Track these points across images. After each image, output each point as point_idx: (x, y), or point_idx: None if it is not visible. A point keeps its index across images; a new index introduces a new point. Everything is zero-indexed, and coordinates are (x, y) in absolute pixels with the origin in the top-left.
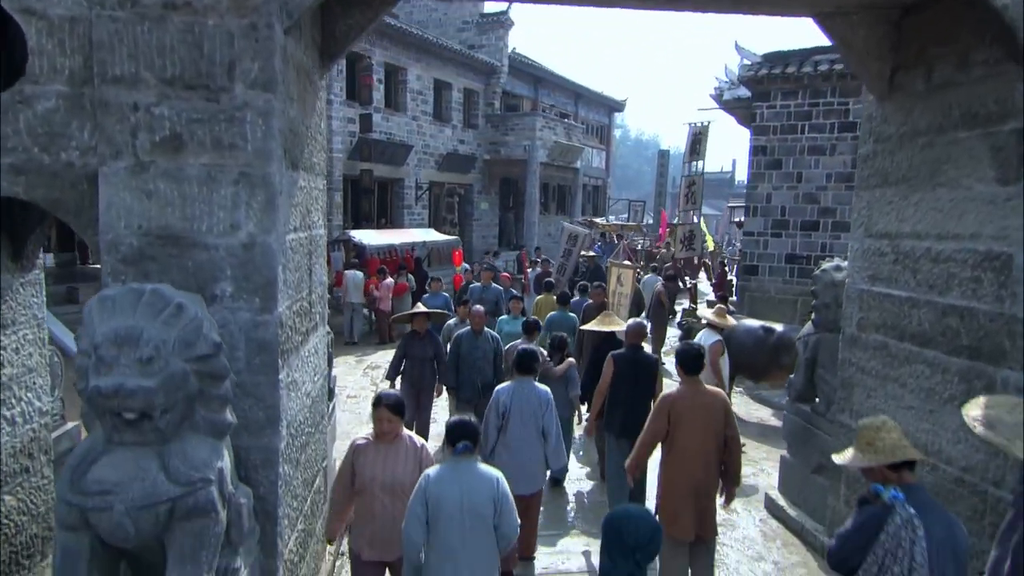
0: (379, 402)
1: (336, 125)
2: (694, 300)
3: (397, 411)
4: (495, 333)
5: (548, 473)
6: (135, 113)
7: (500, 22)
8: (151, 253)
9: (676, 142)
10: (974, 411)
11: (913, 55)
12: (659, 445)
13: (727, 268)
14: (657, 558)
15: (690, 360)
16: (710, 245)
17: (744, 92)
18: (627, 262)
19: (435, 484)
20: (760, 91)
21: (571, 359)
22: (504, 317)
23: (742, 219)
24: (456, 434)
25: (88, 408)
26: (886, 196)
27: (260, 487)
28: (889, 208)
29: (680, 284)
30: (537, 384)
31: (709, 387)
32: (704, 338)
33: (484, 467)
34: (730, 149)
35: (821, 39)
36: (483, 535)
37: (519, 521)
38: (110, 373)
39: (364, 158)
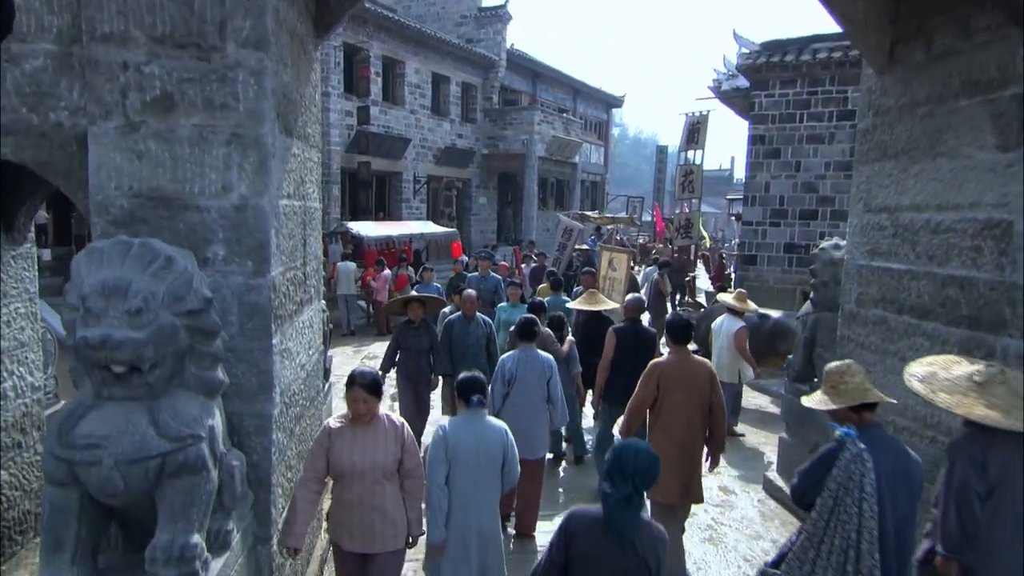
0: (353, 381)
1: (334, 118)
2: (693, 294)
3: (373, 391)
4: (487, 318)
5: (551, 454)
6: (125, 72)
7: (498, 16)
8: (142, 215)
9: (675, 139)
10: (915, 368)
11: (913, 26)
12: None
13: (725, 260)
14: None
15: (679, 330)
16: (706, 240)
17: (743, 83)
18: (620, 247)
19: (453, 434)
20: (758, 80)
21: (571, 338)
22: (503, 304)
23: (741, 211)
24: (469, 389)
25: (76, 362)
26: (885, 169)
27: (253, 454)
28: (888, 181)
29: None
30: (540, 351)
31: (695, 356)
32: (726, 324)
33: (493, 419)
34: (729, 146)
35: (820, 27)
36: (493, 479)
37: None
38: (98, 325)
39: (362, 151)
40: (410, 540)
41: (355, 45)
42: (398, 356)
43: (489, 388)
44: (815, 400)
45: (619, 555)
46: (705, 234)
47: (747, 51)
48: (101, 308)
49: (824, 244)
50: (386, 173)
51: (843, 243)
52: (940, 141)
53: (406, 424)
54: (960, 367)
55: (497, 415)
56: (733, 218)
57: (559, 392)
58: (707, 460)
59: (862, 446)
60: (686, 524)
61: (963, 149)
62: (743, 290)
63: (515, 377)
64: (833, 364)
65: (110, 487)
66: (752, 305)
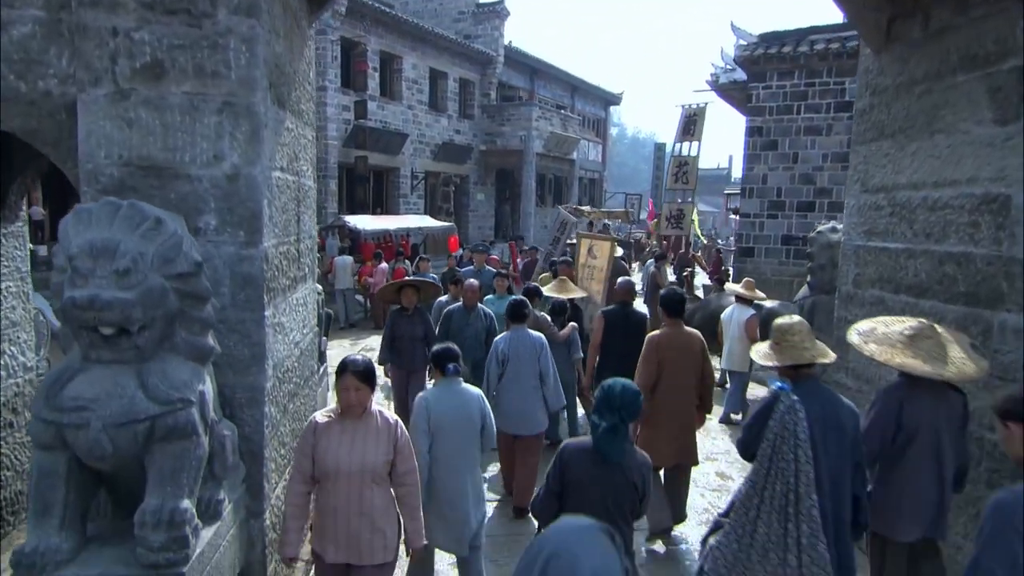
0: (344, 368)
1: (331, 112)
2: (691, 289)
3: (366, 379)
4: (488, 311)
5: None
6: (114, 38)
7: (496, 12)
8: (132, 184)
9: (673, 137)
10: (859, 324)
11: (910, 3)
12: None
13: (722, 255)
14: None
15: (673, 303)
16: (700, 235)
17: (740, 76)
18: (602, 234)
19: (435, 402)
20: (756, 71)
21: (573, 323)
22: (489, 296)
23: (739, 206)
24: (444, 359)
25: (64, 324)
26: (882, 149)
27: (245, 426)
28: (886, 161)
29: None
30: (531, 331)
31: (688, 328)
32: (736, 314)
33: (469, 386)
34: (727, 146)
35: (817, 18)
36: (473, 442)
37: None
38: (86, 285)
39: (359, 145)
40: (409, 552)
41: (352, 39)
42: (392, 345)
43: (486, 370)
44: (760, 353)
45: (609, 478)
46: (699, 232)
47: (745, 43)
48: (89, 268)
49: (821, 227)
50: (384, 168)
51: (840, 226)
52: (937, 118)
53: (400, 423)
54: (900, 324)
55: (494, 394)
56: (731, 212)
57: (551, 369)
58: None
59: (795, 398)
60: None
61: (960, 125)
62: (751, 279)
63: (508, 357)
64: (780, 320)
65: (98, 450)
66: (760, 293)
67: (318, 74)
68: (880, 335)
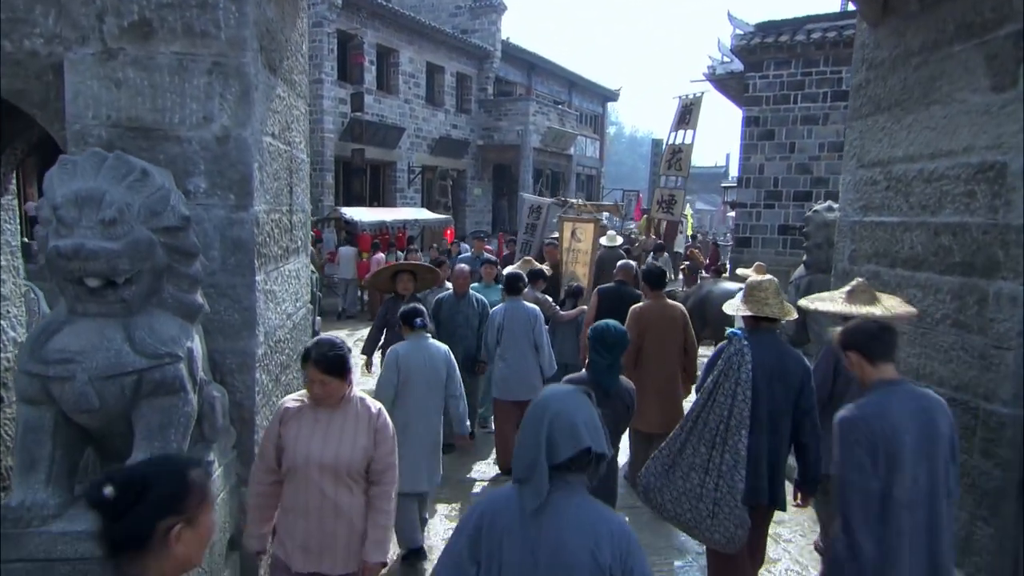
0: (307, 357)
1: (327, 105)
2: (691, 281)
3: (333, 370)
4: (481, 297)
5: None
6: None
7: (493, 6)
8: (120, 145)
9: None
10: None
11: None
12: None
13: (719, 248)
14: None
15: (654, 277)
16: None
17: (737, 66)
18: (587, 215)
19: (404, 355)
20: (752, 61)
21: (583, 307)
22: (475, 284)
23: (735, 198)
24: (411, 315)
25: (49, 276)
26: (878, 123)
27: (236, 392)
28: (882, 135)
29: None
30: (526, 303)
31: (670, 300)
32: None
33: (435, 341)
34: (724, 144)
35: (814, 7)
36: (438, 393)
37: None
38: (71, 235)
39: (356, 139)
40: (360, 569)
41: (348, 32)
42: (384, 336)
43: (483, 339)
44: (731, 306)
45: (606, 404)
46: (691, 231)
47: (742, 33)
48: (74, 218)
49: (817, 206)
50: (380, 162)
51: (836, 205)
52: (933, 88)
53: (384, 412)
54: (841, 288)
55: (490, 361)
56: (728, 206)
57: (544, 339)
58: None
59: (745, 343)
60: None
61: (957, 94)
62: (761, 263)
63: (503, 327)
64: (753, 278)
65: (84, 403)
66: (769, 276)
67: (314, 67)
68: (825, 297)
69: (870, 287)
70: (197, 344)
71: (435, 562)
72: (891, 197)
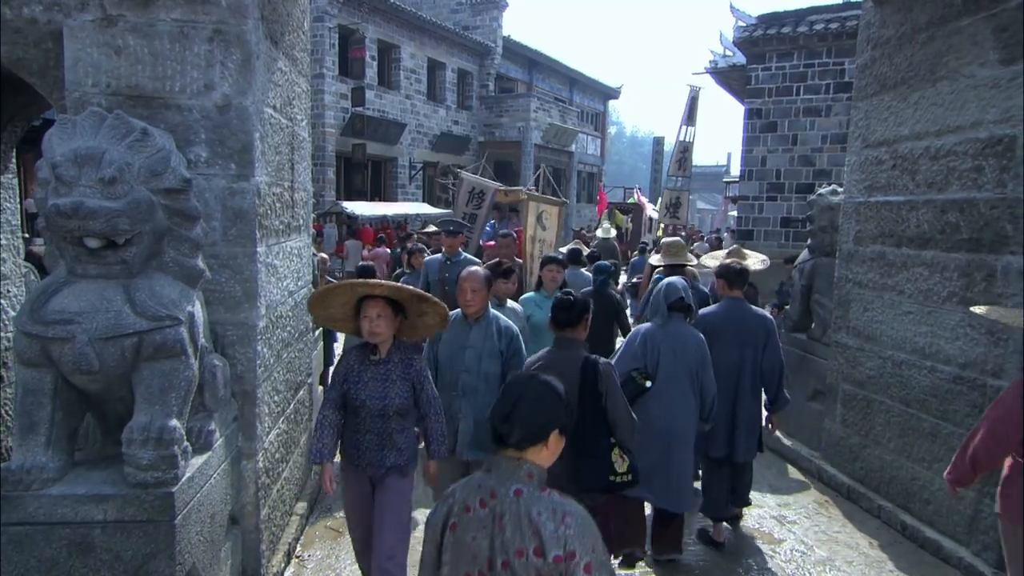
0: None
1: (328, 100)
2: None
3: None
4: (508, 323)
5: None
6: None
7: (494, 3)
8: None
9: (672, 135)
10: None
11: None
12: None
13: (722, 243)
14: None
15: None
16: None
17: (739, 60)
18: (553, 197)
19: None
20: (755, 53)
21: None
22: (531, 295)
23: (737, 193)
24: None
25: (48, 236)
26: (884, 102)
27: (238, 364)
28: (887, 114)
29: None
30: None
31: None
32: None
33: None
34: (725, 143)
35: None
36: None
37: None
38: (70, 193)
39: (357, 133)
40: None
41: (349, 27)
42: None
43: None
44: (656, 258)
45: (600, 301)
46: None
47: (744, 24)
48: (73, 176)
49: (822, 190)
50: (382, 158)
51: (840, 189)
52: (940, 64)
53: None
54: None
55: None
56: (730, 201)
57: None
58: None
59: (665, 280)
60: None
61: (964, 69)
62: (738, 247)
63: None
64: (666, 239)
65: (84, 365)
66: (677, 238)
67: (315, 61)
68: (716, 256)
69: (741, 251)
70: (198, 309)
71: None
72: (897, 176)
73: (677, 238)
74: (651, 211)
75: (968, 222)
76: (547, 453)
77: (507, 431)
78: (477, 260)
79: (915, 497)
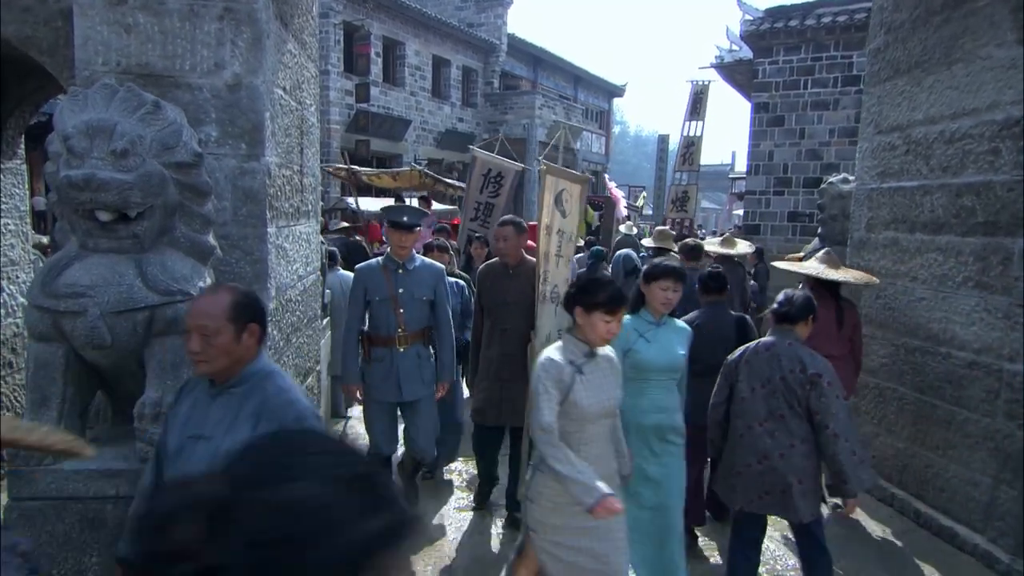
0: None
1: (333, 96)
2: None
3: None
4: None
5: None
6: None
7: (499, 0)
8: None
9: (677, 134)
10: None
11: None
12: None
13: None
14: None
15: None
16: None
17: (745, 54)
18: (575, 172)
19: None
20: (762, 47)
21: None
22: (626, 318)
23: (743, 189)
24: None
25: (59, 207)
26: (897, 87)
27: None
28: (900, 99)
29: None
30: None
31: None
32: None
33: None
34: (730, 141)
35: None
36: None
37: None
38: (82, 165)
39: (361, 130)
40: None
41: (353, 24)
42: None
43: None
44: (648, 240)
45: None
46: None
47: (751, 18)
48: (84, 148)
49: (832, 179)
50: (387, 155)
51: (851, 177)
52: (956, 47)
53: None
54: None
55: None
56: (736, 197)
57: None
58: None
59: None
60: None
61: (980, 51)
62: (730, 236)
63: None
64: (659, 227)
65: (96, 338)
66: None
67: (320, 57)
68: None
69: (731, 239)
70: (209, 284)
71: None
72: (910, 161)
73: (666, 227)
74: (623, 207)
75: (984, 205)
76: (805, 330)
77: (788, 311)
78: (465, 275)
79: (929, 485)
